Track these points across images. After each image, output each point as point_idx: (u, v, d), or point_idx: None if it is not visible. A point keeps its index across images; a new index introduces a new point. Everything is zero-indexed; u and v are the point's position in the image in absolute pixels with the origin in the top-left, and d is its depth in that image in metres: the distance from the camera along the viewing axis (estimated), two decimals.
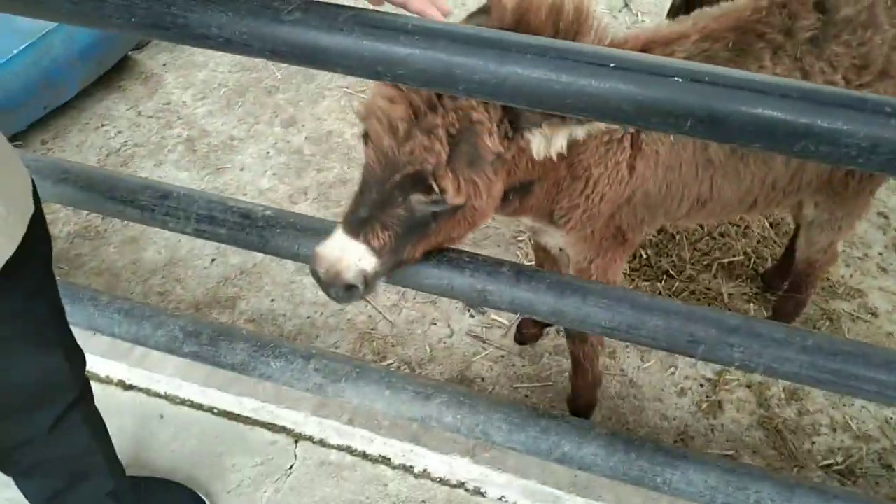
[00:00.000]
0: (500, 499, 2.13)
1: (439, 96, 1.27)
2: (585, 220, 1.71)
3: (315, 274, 1.41)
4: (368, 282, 1.40)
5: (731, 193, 1.83)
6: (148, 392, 2.36)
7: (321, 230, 1.63)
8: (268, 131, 3.51)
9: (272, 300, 2.69)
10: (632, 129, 1.32)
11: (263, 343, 2.09)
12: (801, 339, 1.39)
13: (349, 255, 1.36)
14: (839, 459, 2.21)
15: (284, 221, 1.67)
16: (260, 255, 2.84)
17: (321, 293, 2.73)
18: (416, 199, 1.33)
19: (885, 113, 1.08)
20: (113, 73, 3.78)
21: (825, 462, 2.20)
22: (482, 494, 2.14)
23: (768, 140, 1.13)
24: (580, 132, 1.33)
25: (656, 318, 1.45)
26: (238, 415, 2.29)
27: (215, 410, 2.32)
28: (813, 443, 2.26)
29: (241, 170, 3.30)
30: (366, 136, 1.36)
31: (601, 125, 1.31)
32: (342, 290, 1.39)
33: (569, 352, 2.12)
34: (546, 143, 1.35)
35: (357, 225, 1.36)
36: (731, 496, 1.77)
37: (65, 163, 1.91)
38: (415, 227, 1.38)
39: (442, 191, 1.30)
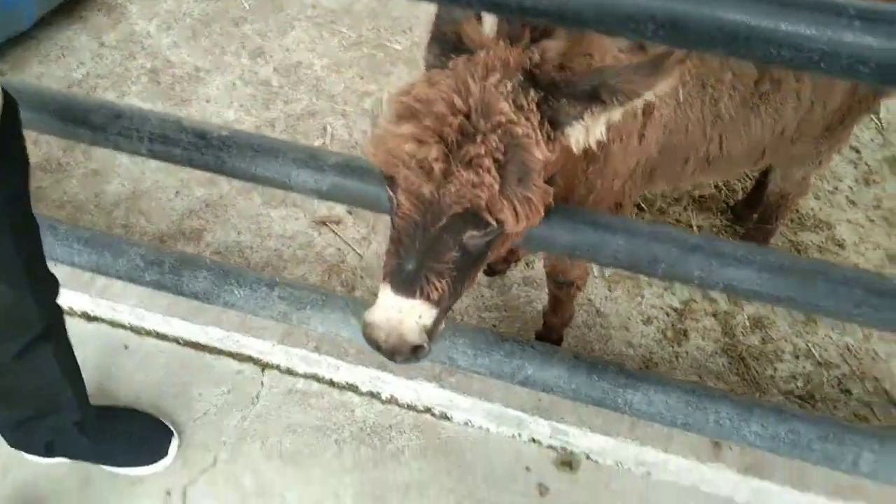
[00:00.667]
0: (467, 422, 2.15)
1: (468, 116, 1.12)
2: (598, 201, 1.62)
3: (374, 343, 1.26)
4: (433, 333, 1.28)
5: (739, 147, 1.78)
6: (112, 323, 2.34)
7: (279, 151, 1.59)
8: (234, 62, 3.40)
9: (238, 233, 2.65)
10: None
11: (227, 271, 2.06)
12: (762, 258, 1.39)
13: (408, 316, 1.22)
14: (800, 385, 2.25)
15: (241, 141, 1.62)
16: (226, 187, 2.79)
17: (289, 225, 2.69)
18: (470, 236, 1.20)
19: (849, 16, 1.05)
20: (74, 2, 3.62)
21: (787, 388, 2.24)
22: (448, 419, 2.16)
23: (730, 45, 1.11)
24: (618, 113, 1.18)
25: (619, 238, 1.43)
26: (204, 345, 2.28)
27: (181, 341, 2.30)
28: (775, 369, 2.29)
29: (207, 101, 3.20)
30: (390, 181, 1.20)
31: (639, 101, 1.15)
32: (409, 352, 1.26)
33: (549, 292, 2.12)
34: (585, 133, 1.21)
35: (408, 281, 1.21)
36: (691, 416, 1.80)
37: (14, 82, 1.84)
38: (470, 262, 1.26)
39: (500, 222, 1.17)
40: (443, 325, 1.33)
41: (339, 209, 2.71)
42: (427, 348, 1.27)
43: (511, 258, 2.47)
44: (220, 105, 3.18)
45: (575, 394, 1.86)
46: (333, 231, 2.65)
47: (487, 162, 1.11)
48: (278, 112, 3.14)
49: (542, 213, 1.22)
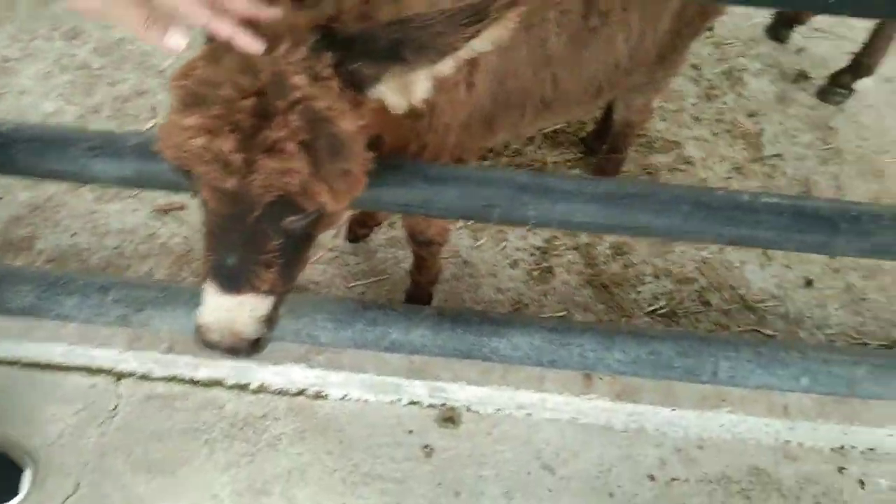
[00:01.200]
0: (343, 397, 2.09)
1: (260, 96, 0.99)
2: (435, 157, 1.53)
3: (209, 345, 1.17)
4: (272, 320, 1.19)
5: (574, 85, 1.74)
6: None
7: (70, 140, 1.42)
8: (47, 47, 3.08)
9: (73, 234, 2.43)
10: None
11: (52, 280, 1.87)
12: (592, 188, 1.38)
13: (240, 312, 1.14)
14: (662, 304, 2.32)
15: (28, 135, 1.44)
16: (52, 187, 2.54)
17: (127, 219, 2.49)
18: (290, 221, 1.11)
19: None
20: None
21: (650, 308, 2.31)
22: (324, 397, 2.09)
23: None
24: (442, 68, 1.05)
25: (450, 188, 1.38)
26: (46, 363, 2.08)
27: (21, 363, 2.09)
28: (638, 292, 2.35)
29: (21, 94, 2.89)
30: (188, 175, 1.07)
31: (460, 54, 1.02)
32: (249, 348, 1.17)
33: (412, 252, 2.05)
34: (401, 92, 1.09)
35: (232, 277, 1.12)
36: (556, 353, 1.81)
37: None
38: (298, 244, 1.17)
39: (318, 204, 1.07)
40: (282, 309, 1.24)
41: (180, 195, 2.53)
42: (268, 337, 1.19)
43: (371, 223, 2.39)
44: (35, 96, 2.87)
45: (442, 350, 1.83)
46: (177, 218, 2.48)
47: (291, 146, 1.01)
48: (103, 96, 2.87)
49: (364, 181, 1.14)
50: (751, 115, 2.95)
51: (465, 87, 1.51)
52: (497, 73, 1.60)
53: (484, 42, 1.02)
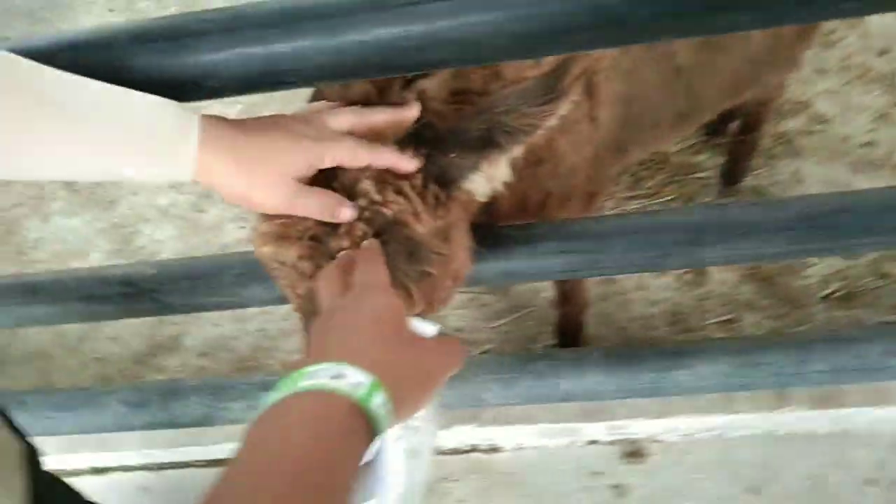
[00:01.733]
0: (518, 447, 2.02)
1: None
2: (560, 204, 1.44)
3: None
4: None
5: (711, 91, 1.60)
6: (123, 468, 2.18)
7: (217, 270, 1.40)
8: None
9: (215, 325, 2.47)
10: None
11: (217, 387, 1.89)
12: (782, 213, 1.22)
13: None
14: (836, 286, 2.12)
15: (171, 274, 1.43)
16: None
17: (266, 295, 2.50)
18: None
19: None
20: None
21: (824, 293, 2.11)
22: (498, 450, 2.03)
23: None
24: (519, 150, 1.00)
25: (616, 242, 1.26)
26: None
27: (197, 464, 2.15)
28: (806, 277, 2.16)
29: (134, 195, 2.98)
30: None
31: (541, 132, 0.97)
32: None
33: (553, 284, 1.95)
34: (488, 181, 1.03)
35: None
36: (748, 376, 1.65)
37: None
38: None
39: None
40: None
41: None
42: None
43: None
44: (149, 192, 2.95)
45: (619, 393, 1.71)
46: None
47: None
48: None
49: (458, 278, 1.06)
50: (881, 54, 2.65)
51: (587, 123, 1.39)
52: (623, 99, 1.46)
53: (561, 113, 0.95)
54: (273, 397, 0.63)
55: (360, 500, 0.67)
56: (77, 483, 1.86)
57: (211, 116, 0.89)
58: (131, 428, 1.95)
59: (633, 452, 1.95)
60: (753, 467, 1.87)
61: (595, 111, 1.39)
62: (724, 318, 2.11)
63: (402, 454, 0.69)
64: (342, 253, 0.93)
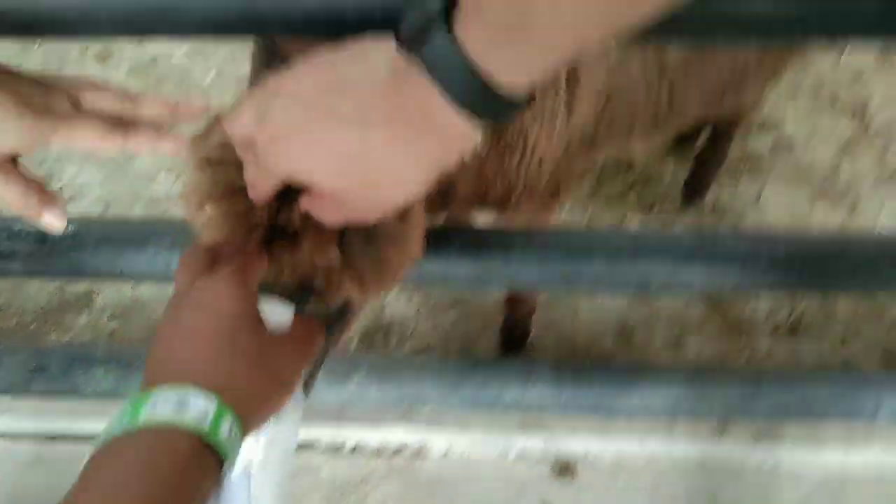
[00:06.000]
0: (445, 454, 1.92)
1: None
2: (521, 198, 1.35)
3: None
4: (307, 387, 1.00)
5: (694, 96, 1.51)
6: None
7: (146, 237, 1.23)
8: (80, 71, 2.89)
9: (132, 286, 2.26)
10: None
11: (129, 360, 1.71)
12: (781, 239, 1.16)
13: None
14: (782, 317, 2.11)
15: (94, 234, 1.25)
16: None
17: None
18: (310, 307, 0.83)
19: None
20: None
21: (771, 324, 2.10)
22: (424, 456, 1.93)
23: None
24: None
25: (596, 260, 1.17)
26: None
27: None
28: (754, 308, 2.14)
29: None
30: None
31: None
32: None
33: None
34: None
35: None
36: (696, 405, 1.61)
37: None
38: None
39: (343, 296, 0.85)
40: (318, 374, 1.04)
41: None
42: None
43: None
44: None
45: (565, 408, 1.64)
46: None
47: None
48: None
49: (412, 260, 0.88)
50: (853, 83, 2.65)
51: (564, 113, 1.29)
52: (606, 90, 1.37)
53: None
54: (112, 430, 0.58)
55: None
56: None
57: None
58: (27, 392, 1.75)
59: (564, 469, 1.89)
60: (683, 497, 1.84)
61: (574, 104, 1.29)
62: (672, 337, 2.07)
63: (245, 485, 0.64)
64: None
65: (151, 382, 0.61)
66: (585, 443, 1.81)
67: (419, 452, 1.91)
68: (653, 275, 1.16)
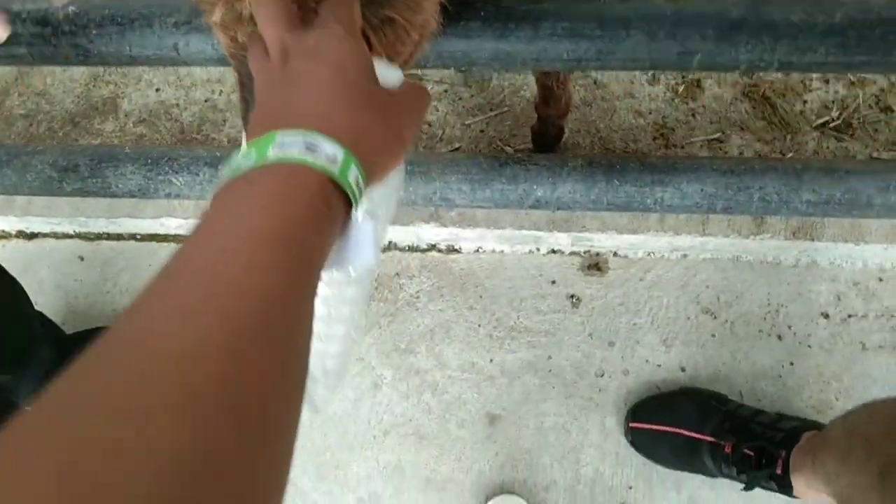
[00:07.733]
0: (477, 250, 1.94)
1: None
2: None
3: None
4: None
5: None
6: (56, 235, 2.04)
7: (152, 18, 1.15)
8: None
9: (157, 90, 2.21)
10: None
11: (156, 158, 1.70)
12: (825, 18, 1.04)
13: None
14: (834, 115, 1.97)
15: (98, 17, 1.18)
16: None
17: (213, 69, 2.24)
18: None
19: None
20: None
21: (820, 121, 1.97)
22: (457, 250, 1.95)
23: None
24: None
25: (634, 33, 1.07)
26: (164, 235, 2.00)
27: (137, 237, 2.02)
28: (804, 102, 2.00)
29: None
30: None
31: None
32: None
33: (536, 80, 1.73)
34: None
35: None
36: (732, 199, 1.56)
37: None
38: None
39: None
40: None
41: None
42: None
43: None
44: None
45: (595, 205, 1.61)
46: None
47: None
48: None
49: (424, 32, 0.81)
50: None
51: None
52: None
53: None
54: (238, 167, 0.53)
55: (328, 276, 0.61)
56: (4, 248, 1.75)
57: None
58: (60, 193, 1.78)
59: (594, 265, 1.90)
60: (714, 290, 1.85)
61: None
62: (713, 136, 1.98)
63: (371, 230, 0.60)
64: None
65: (266, 130, 0.55)
66: (615, 240, 1.80)
67: (451, 249, 1.94)
68: (695, 48, 1.07)
